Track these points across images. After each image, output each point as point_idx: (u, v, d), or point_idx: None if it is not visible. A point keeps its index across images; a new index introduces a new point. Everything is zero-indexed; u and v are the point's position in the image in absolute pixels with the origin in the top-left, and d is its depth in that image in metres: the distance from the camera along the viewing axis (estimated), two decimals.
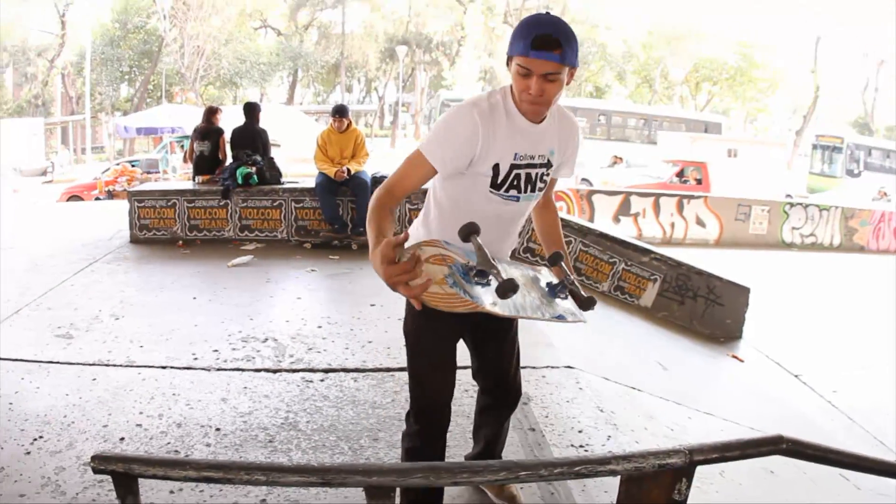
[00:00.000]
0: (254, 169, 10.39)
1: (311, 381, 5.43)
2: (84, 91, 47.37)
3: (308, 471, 2.11)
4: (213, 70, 51.98)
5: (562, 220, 8.87)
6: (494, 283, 2.45)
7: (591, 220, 17.37)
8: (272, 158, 11.00)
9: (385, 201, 2.76)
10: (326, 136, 10.28)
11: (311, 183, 10.41)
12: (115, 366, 5.71)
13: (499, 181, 2.90)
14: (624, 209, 18.25)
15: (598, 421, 4.50)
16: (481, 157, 2.83)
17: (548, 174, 3.04)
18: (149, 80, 53.95)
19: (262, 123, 11.27)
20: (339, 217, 10.02)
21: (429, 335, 3.13)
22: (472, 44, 54.49)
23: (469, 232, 2.51)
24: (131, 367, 5.69)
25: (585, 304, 2.89)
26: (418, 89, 57.63)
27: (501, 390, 3.57)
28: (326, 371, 5.63)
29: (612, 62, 56.05)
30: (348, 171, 9.83)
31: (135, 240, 10.27)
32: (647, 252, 9.05)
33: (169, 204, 10.23)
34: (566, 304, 2.87)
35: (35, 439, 4.54)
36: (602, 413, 4.62)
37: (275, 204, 10.34)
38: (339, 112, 10.30)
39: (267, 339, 6.33)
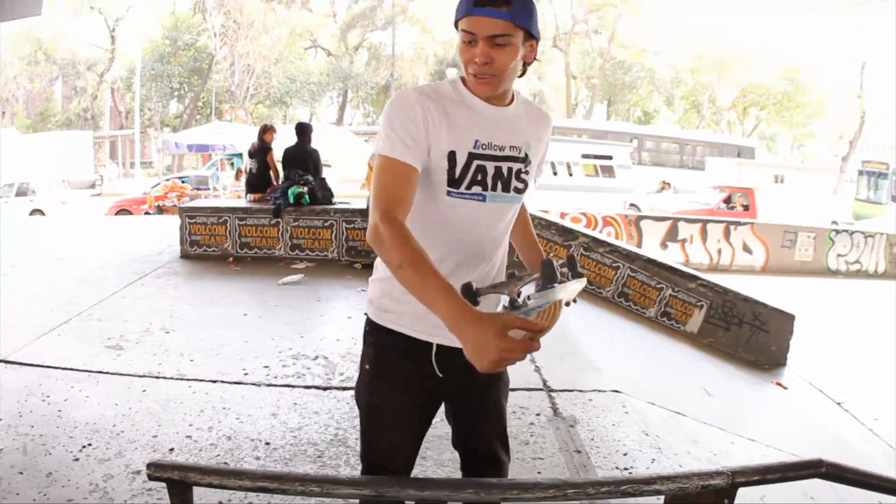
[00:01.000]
0: (306, 189, 10.53)
1: None
2: (133, 106, 47.96)
3: (362, 483, 2.18)
4: (262, 89, 52.32)
5: (610, 245, 9.01)
6: (532, 286, 2.28)
7: (639, 245, 17.32)
8: (324, 179, 11.13)
9: (405, 231, 2.16)
10: None
11: (362, 203, 10.51)
12: (165, 378, 5.82)
13: (457, 175, 2.38)
14: (671, 235, 18.16)
15: (642, 444, 4.52)
16: (434, 141, 2.34)
17: (525, 171, 2.52)
18: (199, 98, 54.51)
19: (313, 143, 11.41)
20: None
21: (388, 397, 2.56)
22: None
23: (471, 292, 2.02)
24: (182, 380, 5.79)
25: (570, 265, 2.56)
26: None
27: (481, 462, 2.73)
28: None
29: (660, 87, 55.79)
30: None
31: (185, 255, 10.46)
32: (693, 278, 9.04)
33: (220, 221, 10.39)
34: (570, 286, 2.37)
35: (84, 447, 4.63)
36: (647, 437, 4.64)
37: (326, 224, 10.47)
38: None
39: (317, 357, 6.40)
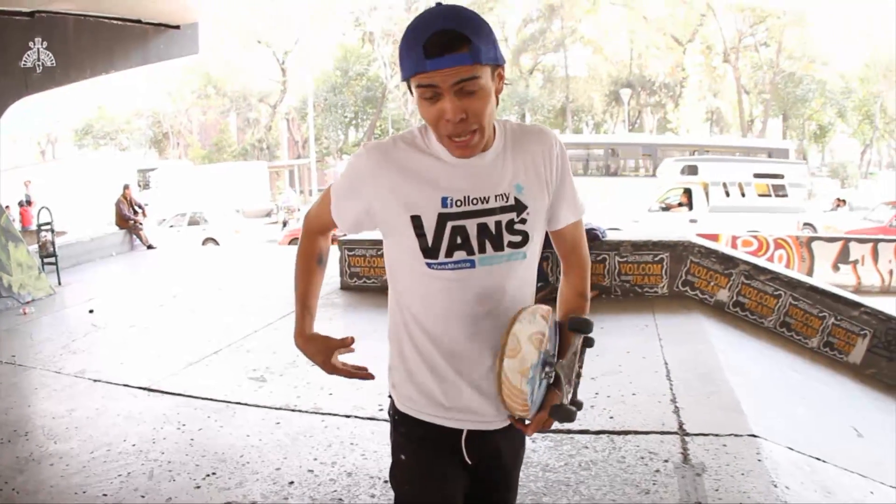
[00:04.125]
0: None
1: None
2: (309, 135, 49.59)
3: None
4: None
5: (772, 272, 8.68)
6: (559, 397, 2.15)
7: (811, 269, 16.78)
8: None
9: (311, 248, 2.42)
10: None
11: None
12: (300, 411, 5.95)
13: (430, 243, 2.08)
14: (843, 256, 17.23)
15: (768, 497, 4.21)
16: (383, 209, 2.13)
17: (521, 220, 2.14)
18: (374, 126, 55.88)
19: None
20: (543, 272, 9.42)
21: (426, 484, 2.28)
22: (695, 84, 53.28)
23: (581, 327, 2.12)
24: (316, 413, 5.89)
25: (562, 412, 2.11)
26: (646, 132, 56.09)
27: None
28: None
29: (831, 99, 53.22)
30: None
31: (345, 286, 10.55)
32: (857, 305, 8.57)
33: (379, 253, 10.33)
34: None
35: (208, 475, 4.86)
36: (775, 488, 4.34)
37: None
38: None
39: None
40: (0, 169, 27.86)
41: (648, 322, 8.31)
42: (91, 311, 10.15)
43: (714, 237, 15.39)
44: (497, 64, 1.99)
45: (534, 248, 2.20)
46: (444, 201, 2.07)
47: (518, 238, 2.13)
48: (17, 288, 11.16)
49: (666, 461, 4.78)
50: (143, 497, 4.61)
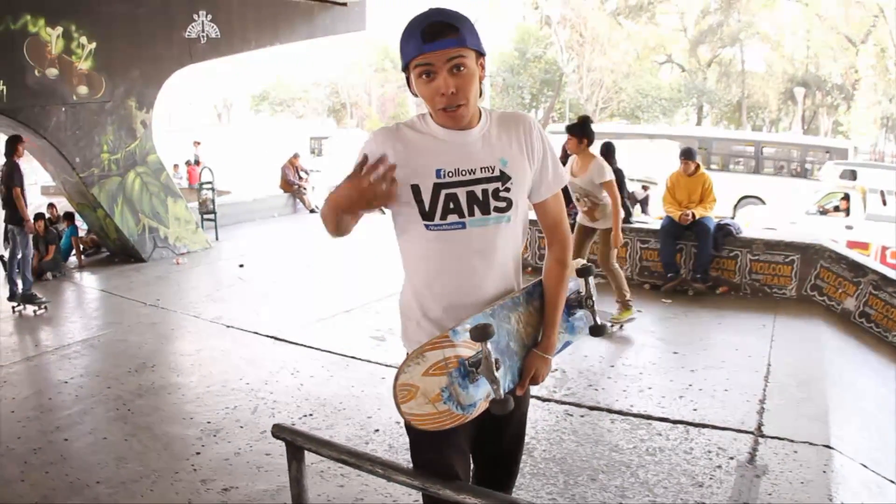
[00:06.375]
0: None
1: (571, 415, 5.65)
2: None
3: (415, 475, 2.54)
4: (613, 102, 52.68)
5: None
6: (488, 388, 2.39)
7: None
8: (625, 198, 11.06)
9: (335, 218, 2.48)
10: (675, 179, 9.99)
11: (657, 224, 10.39)
12: None
13: (427, 207, 2.46)
14: None
15: None
16: (397, 178, 2.35)
17: (505, 189, 2.50)
18: (552, 108, 55.60)
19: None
20: (675, 264, 9.77)
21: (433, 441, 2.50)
22: (869, 87, 50.56)
23: (482, 337, 2.28)
24: None
25: (496, 405, 2.40)
26: (822, 133, 53.49)
27: (496, 475, 2.85)
28: (591, 409, 5.79)
29: None
30: (693, 215, 9.52)
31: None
32: None
33: None
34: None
35: (305, 415, 5.40)
36: (829, 502, 4.34)
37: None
38: (687, 155, 9.96)
39: (556, 370, 6.55)
40: (169, 130, 29.27)
41: (767, 322, 8.24)
42: (241, 266, 10.86)
43: (864, 246, 14.99)
44: (480, 52, 2.43)
45: (518, 214, 2.58)
46: (437, 173, 2.46)
47: (503, 204, 2.51)
48: (173, 240, 12.22)
49: (731, 458, 4.90)
50: (241, 427, 5.22)
